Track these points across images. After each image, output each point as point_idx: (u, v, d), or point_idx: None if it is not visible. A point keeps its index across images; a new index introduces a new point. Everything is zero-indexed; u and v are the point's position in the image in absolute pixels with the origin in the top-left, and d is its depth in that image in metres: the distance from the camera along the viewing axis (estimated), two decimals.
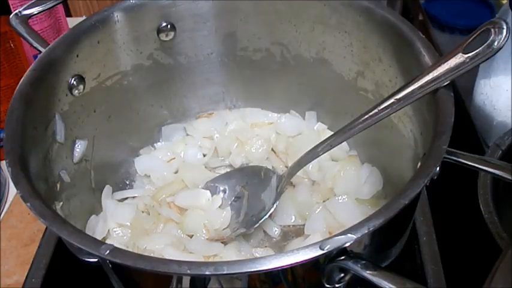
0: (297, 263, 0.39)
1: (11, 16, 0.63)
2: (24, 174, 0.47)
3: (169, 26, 0.69)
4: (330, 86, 0.72)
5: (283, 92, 0.77)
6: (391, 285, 0.40)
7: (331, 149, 0.58)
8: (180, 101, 0.77)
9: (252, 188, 0.67)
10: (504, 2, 0.82)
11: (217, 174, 0.72)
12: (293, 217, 0.66)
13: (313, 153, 0.60)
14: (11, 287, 0.65)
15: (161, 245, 0.60)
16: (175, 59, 0.73)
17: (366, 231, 0.40)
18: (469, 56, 0.47)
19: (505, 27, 0.45)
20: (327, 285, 0.46)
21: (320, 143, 0.59)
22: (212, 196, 0.67)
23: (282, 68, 0.74)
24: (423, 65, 0.54)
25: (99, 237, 0.62)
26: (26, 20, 0.63)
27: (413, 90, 0.50)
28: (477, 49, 0.46)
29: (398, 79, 0.60)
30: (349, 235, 0.40)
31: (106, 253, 0.40)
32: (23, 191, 0.46)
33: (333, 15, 0.65)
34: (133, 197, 0.70)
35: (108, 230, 0.64)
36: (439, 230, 0.63)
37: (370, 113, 0.52)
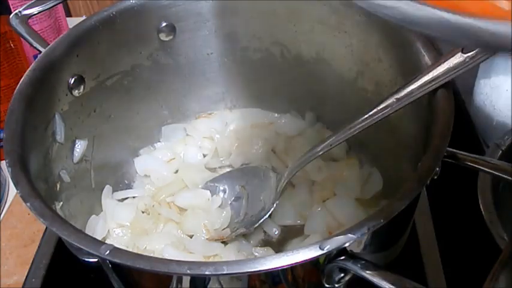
0: (297, 263, 0.39)
1: (11, 16, 0.63)
2: (24, 174, 0.47)
3: (169, 26, 0.69)
4: (330, 86, 0.71)
5: (283, 92, 0.77)
6: (391, 285, 0.40)
7: (331, 149, 0.58)
8: (180, 101, 0.77)
9: (251, 188, 0.67)
10: None
11: (217, 174, 0.72)
12: (293, 217, 0.66)
13: (313, 153, 0.60)
14: (11, 287, 0.65)
15: (161, 245, 0.60)
16: (175, 59, 0.73)
17: (366, 231, 0.40)
18: (468, 56, 0.46)
19: None
20: (327, 285, 0.46)
21: (320, 143, 0.59)
22: (212, 196, 0.67)
23: (282, 68, 0.74)
24: (423, 65, 0.54)
25: (99, 237, 0.62)
26: (26, 20, 0.63)
27: (413, 90, 0.50)
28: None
29: (398, 79, 0.60)
30: (349, 235, 0.40)
31: (106, 253, 0.40)
32: (23, 191, 0.46)
33: (333, 15, 0.65)
34: (133, 197, 0.70)
35: (108, 230, 0.64)
36: (439, 230, 0.63)
37: (370, 113, 0.52)
